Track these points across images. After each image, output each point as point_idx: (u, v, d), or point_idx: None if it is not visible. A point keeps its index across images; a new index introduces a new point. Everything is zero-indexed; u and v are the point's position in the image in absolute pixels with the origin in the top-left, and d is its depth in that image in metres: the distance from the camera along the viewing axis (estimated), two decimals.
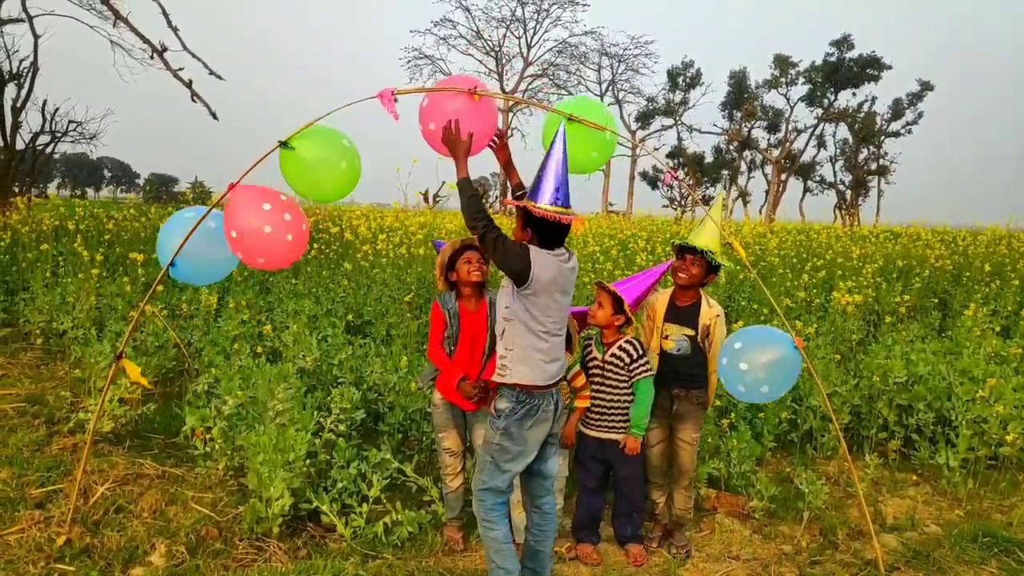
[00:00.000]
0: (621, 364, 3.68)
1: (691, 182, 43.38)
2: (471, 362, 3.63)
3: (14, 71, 12.96)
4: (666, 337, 3.78)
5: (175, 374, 5.79)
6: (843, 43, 40.89)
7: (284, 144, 3.08)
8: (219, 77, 7.98)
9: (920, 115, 41.65)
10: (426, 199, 18.31)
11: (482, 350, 3.63)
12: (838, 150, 44.27)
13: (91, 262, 6.82)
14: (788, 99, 42.90)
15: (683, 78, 44.23)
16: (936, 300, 8.79)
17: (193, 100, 7.93)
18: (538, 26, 40.38)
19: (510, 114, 39.74)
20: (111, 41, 10.02)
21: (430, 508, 3.91)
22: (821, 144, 44.14)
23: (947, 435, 4.92)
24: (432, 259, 7.22)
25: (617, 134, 3.44)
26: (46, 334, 6.55)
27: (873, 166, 43.45)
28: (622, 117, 44.75)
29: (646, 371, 3.67)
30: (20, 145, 13.47)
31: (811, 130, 43.22)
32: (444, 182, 14.35)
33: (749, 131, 44.37)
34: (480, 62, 41.39)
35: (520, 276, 2.89)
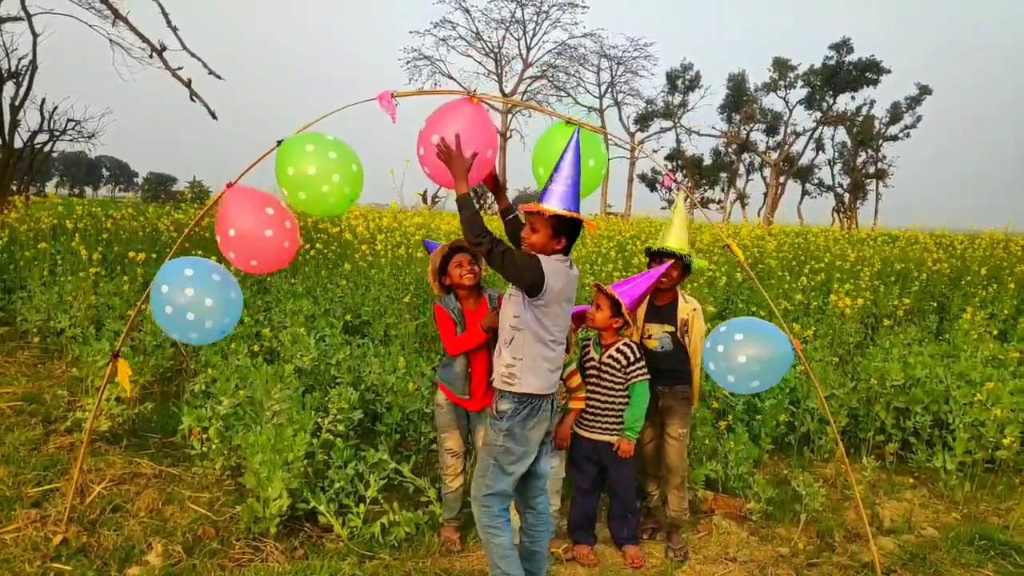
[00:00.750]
0: (618, 366, 3.69)
1: (690, 184, 43.41)
2: (477, 359, 3.64)
3: (13, 69, 12.93)
4: (649, 337, 3.86)
5: (173, 373, 5.78)
6: (842, 47, 41.04)
7: (282, 144, 3.07)
8: (218, 77, 7.98)
9: (918, 119, 41.84)
10: (424, 200, 18.31)
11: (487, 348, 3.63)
12: (836, 153, 44.45)
13: (89, 261, 6.80)
14: (787, 102, 43.09)
15: (682, 80, 44.34)
16: (934, 304, 8.81)
17: (192, 99, 7.93)
18: (537, 28, 40.47)
19: (509, 116, 39.77)
20: (110, 40, 10.02)
21: (427, 509, 3.91)
22: (819, 147, 44.31)
23: (944, 438, 4.93)
24: (428, 260, 7.21)
25: (612, 135, 3.44)
26: (43, 333, 6.54)
27: (871, 169, 43.59)
28: (621, 119, 44.82)
29: (642, 374, 3.67)
30: (18, 143, 13.44)
31: (809, 133, 43.38)
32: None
33: (748, 134, 44.49)
34: (479, 63, 41.44)
35: (535, 287, 2.88)
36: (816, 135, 43.52)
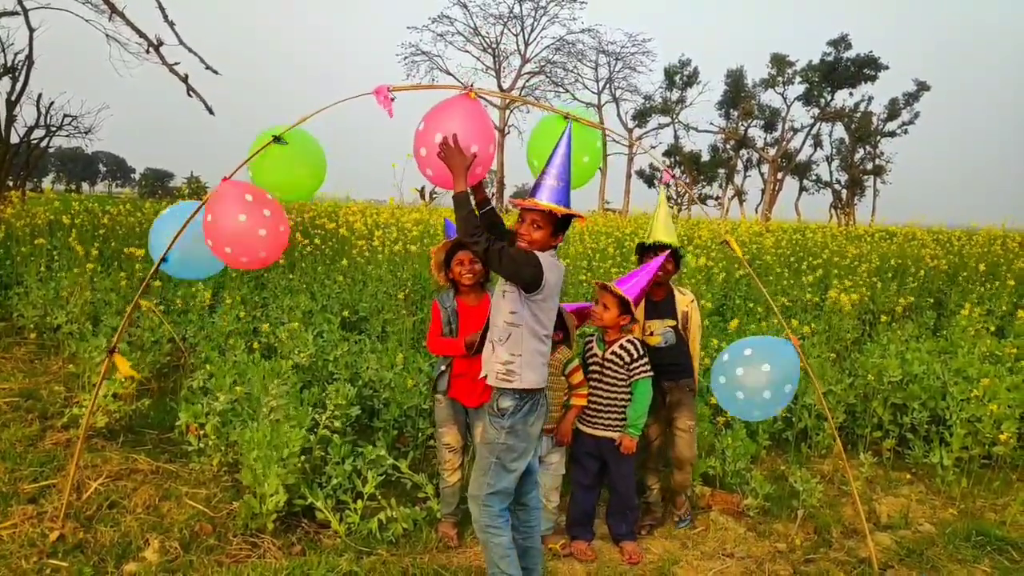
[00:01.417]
0: (621, 363, 3.69)
1: (688, 181, 43.42)
2: (471, 357, 3.64)
3: (9, 64, 12.87)
4: (651, 334, 3.90)
5: (170, 369, 5.77)
6: (840, 43, 41.00)
7: (278, 139, 3.07)
8: (215, 72, 7.93)
9: (916, 115, 41.89)
10: (422, 195, 18.28)
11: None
12: (834, 149, 44.50)
13: (86, 257, 6.78)
14: (785, 98, 43.06)
15: (680, 76, 44.30)
16: (931, 300, 8.81)
17: (189, 95, 7.89)
18: (536, 23, 40.36)
19: (507, 111, 39.71)
20: (107, 35, 9.94)
21: (425, 505, 3.90)
22: (817, 143, 44.33)
23: (941, 434, 4.94)
24: (427, 256, 7.20)
25: (610, 131, 3.43)
26: (40, 329, 6.53)
27: (869, 166, 43.65)
28: (619, 115, 44.79)
29: (645, 371, 3.68)
30: (15, 139, 13.39)
31: (808, 129, 43.39)
32: None
33: (746, 130, 44.49)
34: (477, 59, 41.35)
35: (533, 282, 2.87)
36: (814, 131, 43.56)
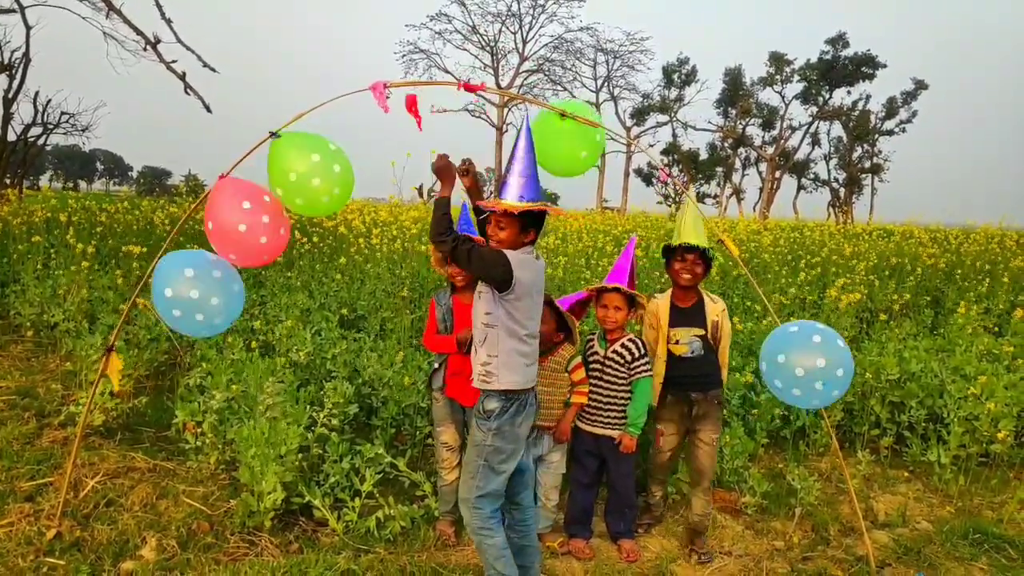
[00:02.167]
0: (622, 361, 3.68)
1: (686, 179, 43.43)
2: (464, 355, 3.64)
3: (6, 62, 12.85)
4: (676, 342, 3.73)
5: (167, 367, 5.77)
6: (838, 41, 40.98)
7: (275, 135, 3.05)
8: (213, 70, 7.92)
9: (914, 114, 41.86)
10: (420, 194, 18.26)
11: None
12: (832, 148, 44.47)
13: (83, 255, 6.77)
14: (783, 97, 43.04)
15: (678, 75, 44.27)
16: (929, 298, 8.83)
17: (187, 93, 7.88)
18: (534, 21, 40.31)
19: (505, 110, 39.68)
20: (104, 32, 9.92)
21: (423, 503, 3.90)
22: (815, 142, 44.31)
23: (939, 432, 4.94)
24: (425, 254, 7.20)
25: (608, 130, 3.42)
26: (37, 327, 6.52)
27: (867, 164, 43.63)
28: (617, 114, 44.77)
29: (646, 370, 3.67)
30: (12, 136, 13.38)
31: (806, 128, 43.37)
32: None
33: (744, 128, 44.48)
34: (475, 57, 41.31)
35: (504, 282, 2.85)
36: (812, 130, 43.54)
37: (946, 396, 4.99)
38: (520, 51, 41.07)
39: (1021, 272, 9.32)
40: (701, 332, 3.70)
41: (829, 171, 44.68)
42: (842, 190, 43.94)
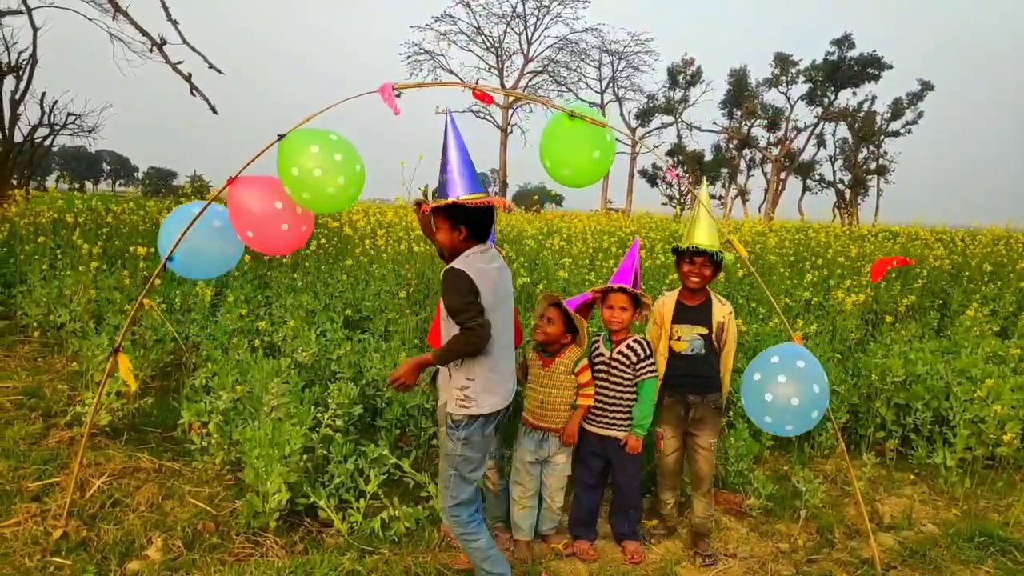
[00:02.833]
0: (627, 363, 3.68)
1: (691, 180, 43.36)
2: None
3: (13, 63, 12.90)
4: (678, 339, 3.72)
5: (172, 368, 5.78)
6: (844, 42, 40.91)
7: (283, 138, 3.06)
8: (219, 71, 7.95)
9: (920, 115, 41.73)
10: (426, 195, 18.27)
11: None
12: (837, 149, 44.35)
13: (89, 255, 6.80)
14: (788, 98, 42.97)
15: (683, 76, 44.23)
16: (935, 300, 8.80)
17: (192, 94, 7.91)
18: (539, 22, 40.39)
19: (510, 111, 39.71)
20: (110, 34, 9.97)
21: (427, 504, 3.90)
22: (821, 143, 44.21)
23: (945, 435, 4.93)
24: (430, 256, 7.20)
25: (616, 130, 3.40)
26: (43, 327, 6.54)
27: (872, 165, 43.52)
28: (622, 114, 44.74)
29: (652, 371, 3.66)
30: (18, 137, 13.44)
31: (811, 129, 43.27)
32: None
33: (749, 129, 44.40)
34: (480, 58, 41.36)
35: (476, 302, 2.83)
36: (817, 131, 43.45)
37: (952, 398, 4.97)
38: (525, 52, 41.15)
39: None
40: (704, 331, 3.69)
41: (834, 172, 44.59)
42: (847, 191, 43.82)
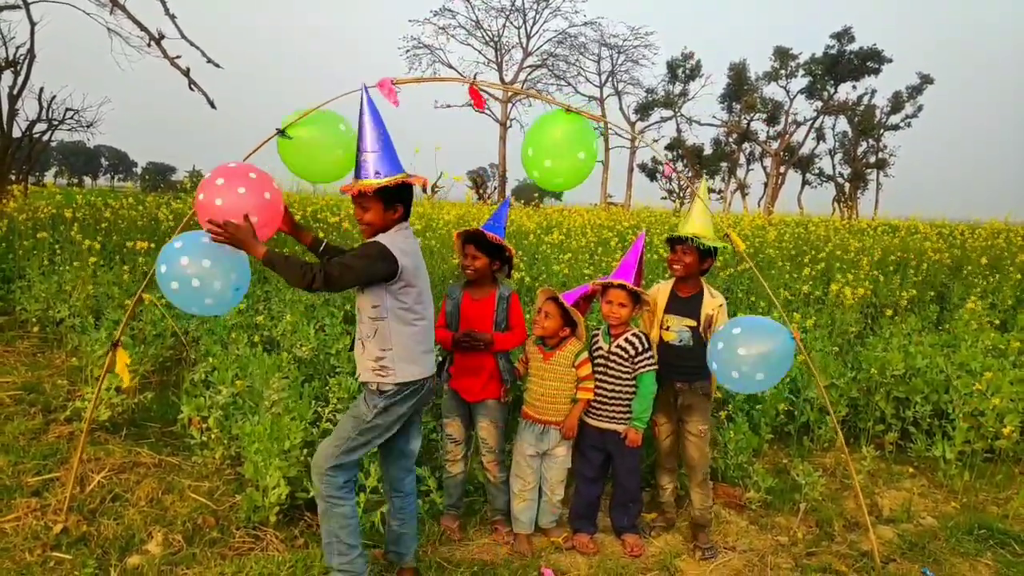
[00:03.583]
0: (626, 356, 3.68)
1: (690, 174, 43.33)
2: (474, 356, 3.66)
3: (10, 58, 12.86)
4: (667, 328, 3.76)
5: (172, 363, 5.78)
6: (843, 36, 40.82)
7: (282, 132, 3.06)
8: (217, 65, 7.93)
9: (919, 109, 41.71)
10: (424, 189, 18.27)
11: None
12: (837, 143, 44.33)
13: (88, 251, 6.79)
14: (788, 91, 42.89)
15: (683, 70, 44.14)
16: (934, 293, 8.80)
17: (191, 88, 7.89)
18: (538, 16, 40.23)
19: (509, 105, 39.63)
20: (108, 28, 9.92)
21: (427, 498, 3.91)
22: (820, 137, 44.18)
23: (944, 428, 4.94)
24: (429, 249, 7.20)
25: (613, 124, 3.41)
26: (43, 322, 6.53)
27: (872, 159, 43.50)
28: (621, 108, 44.66)
29: (650, 365, 3.67)
30: (16, 133, 13.39)
31: (810, 123, 43.23)
32: (442, 172, 14.30)
33: (748, 123, 44.33)
34: (479, 52, 41.25)
35: (391, 273, 2.78)
36: (817, 124, 43.40)
37: (951, 391, 4.98)
38: (524, 46, 41.00)
39: None
40: (692, 323, 3.71)
41: (834, 166, 44.57)
42: (847, 185, 43.80)
